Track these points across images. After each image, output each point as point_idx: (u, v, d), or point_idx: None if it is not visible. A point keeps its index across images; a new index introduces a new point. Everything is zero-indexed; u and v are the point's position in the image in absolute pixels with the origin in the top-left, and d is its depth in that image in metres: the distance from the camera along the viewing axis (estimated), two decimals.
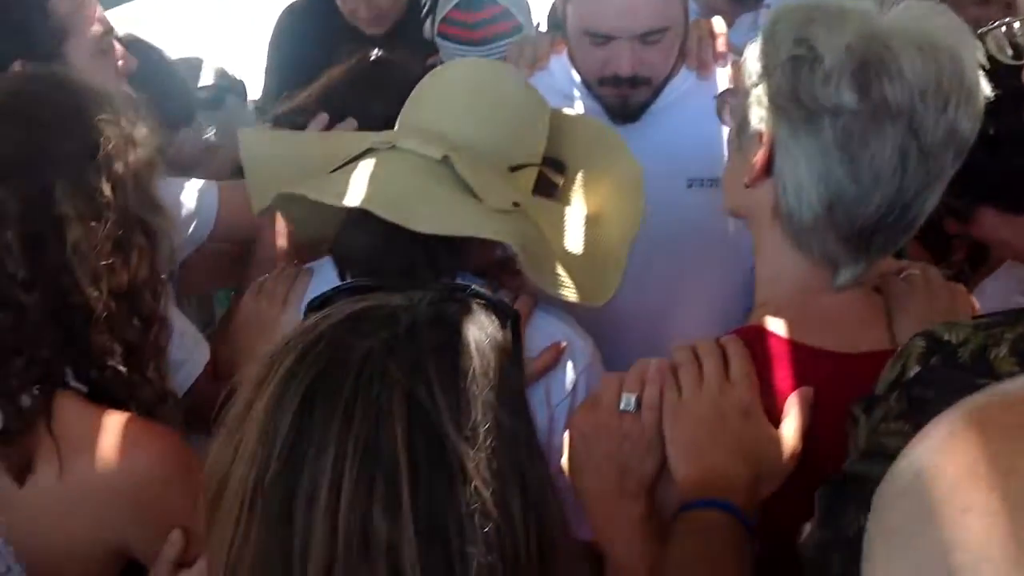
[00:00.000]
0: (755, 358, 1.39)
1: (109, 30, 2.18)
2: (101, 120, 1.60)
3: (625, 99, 2.24)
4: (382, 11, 3.31)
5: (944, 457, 0.59)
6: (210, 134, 3.10)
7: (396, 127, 1.88)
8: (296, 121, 2.74)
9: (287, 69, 3.43)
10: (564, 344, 1.77)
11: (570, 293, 1.73)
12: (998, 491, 0.55)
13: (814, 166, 1.37)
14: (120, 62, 2.20)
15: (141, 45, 2.76)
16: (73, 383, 1.56)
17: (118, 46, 2.22)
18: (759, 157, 1.42)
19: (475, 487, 0.95)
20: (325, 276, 1.86)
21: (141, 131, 1.68)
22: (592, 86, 2.27)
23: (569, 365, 1.77)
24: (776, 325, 1.43)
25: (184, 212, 2.37)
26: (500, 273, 1.80)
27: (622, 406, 1.39)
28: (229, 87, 3.21)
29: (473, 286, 1.14)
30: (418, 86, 1.88)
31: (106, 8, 3.45)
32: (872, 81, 1.32)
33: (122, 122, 1.64)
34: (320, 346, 1.01)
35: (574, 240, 1.85)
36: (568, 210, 1.91)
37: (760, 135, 1.43)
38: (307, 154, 1.90)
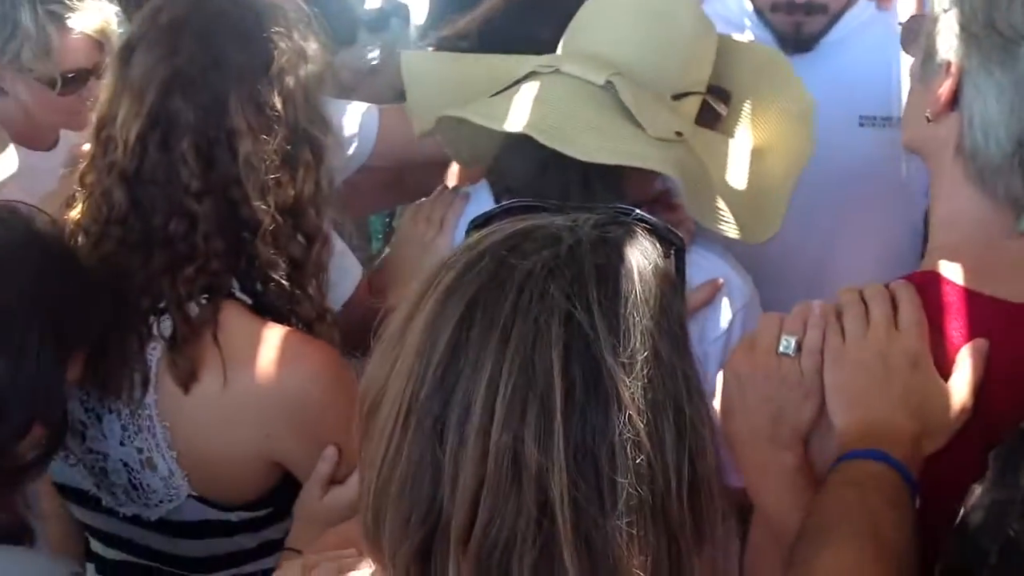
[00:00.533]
0: (927, 305, 1.32)
1: None
2: (275, 34, 1.62)
3: (799, 27, 2.16)
4: None
5: None
6: (373, 56, 3.13)
7: (558, 51, 1.85)
8: (458, 46, 2.72)
9: None
10: (721, 281, 1.73)
11: (730, 229, 1.68)
12: None
13: (1005, 99, 1.30)
14: None
15: None
16: (238, 295, 1.60)
17: None
18: (945, 89, 1.35)
19: (629, 416, 0.93)
20: (481, 200, 1.85)
21: (312, 46, 1.69)
22: (764, 12, 2.19)
23: (725, 302, 1.73)
24: (951, 271, 1.36)
25: (345, 134, 2.39)
26: (657, 206, 1.76)
27: (781, 348, 1.34)
28: (394, 10, 3.23)
29: (638, 211, 1.11)
30: (582, 8, 1.83)
31: None
32: None
33: (295, 36, 1.66)
34: (481, 264, 0.99)
35: (736, 174, 1.80)
36: (732, 142, 1.86)
37: (948, 65, 1.35)
38: (469, 77, 1.88)
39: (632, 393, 0.94)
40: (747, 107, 1.90)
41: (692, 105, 1.82)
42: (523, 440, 0.93)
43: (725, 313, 1.74)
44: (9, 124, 2.36)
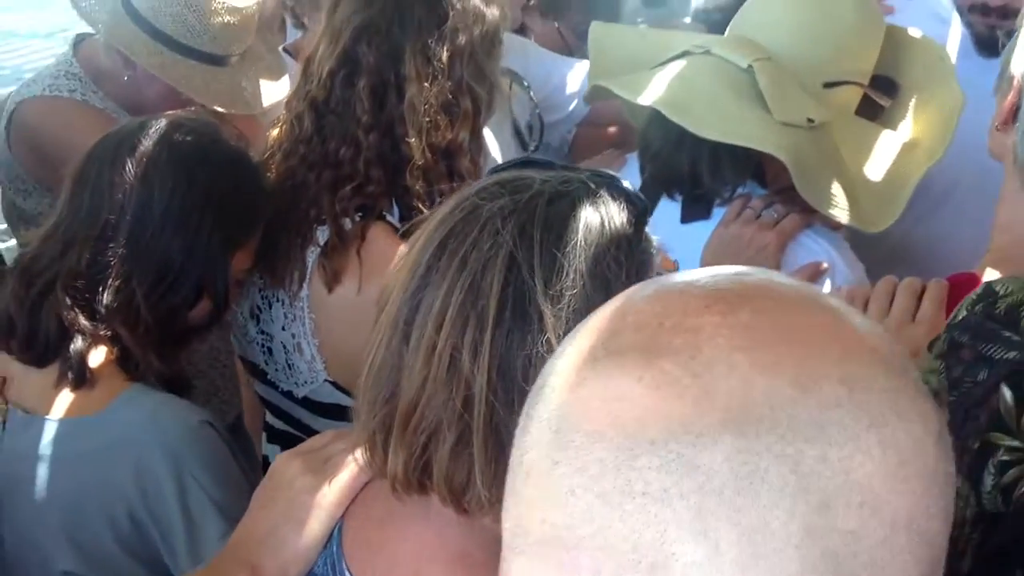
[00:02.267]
0: (956, 305, 1.37)
1: None
2: None
3: (992, 29, 2.14)
4: None
5: None
6: (642, 27, 3.28)
7: (726, 32, 1.96)
8: (712, 17, 2.88)
9: None
10: (826, 265, 1.80)
11: (841, 214, 1.75)
12: None
13: None
14: None
15: None
16: (389, 218, 1.86)
17: None
18: (1008, 101, 1.39)
19: (547, 338, 1.10)
20: (633, 166, 2.01)
21: (492, 11, 1.91)
22: (963, 12, 2.18)
23: (827, 285, 1.80)
24: (992, 275, 1.39)
25: (567, 91, 2.60)
26: (786, 186, 1.85)
27: None
28: None
29: (617, 177, 1.26)
30: None
31: None
32: None
33: (476, 0, 1.88)
34: (465, 202, 1.20)
35: (877, 164, 1.86)
36: (886, 133, 1.90)
37: (1012, 79, 1.39)
38: (644, 50, 2.03)
39: (555, 321, 1.11)
40: (913, 102, 1.94)
41: (847, 94, 1.89)
42: (460, 347, 1.13)
43: None
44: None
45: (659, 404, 0.60)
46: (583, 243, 1.15)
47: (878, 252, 2.16)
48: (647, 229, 1.28)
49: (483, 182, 1.22)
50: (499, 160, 2.33)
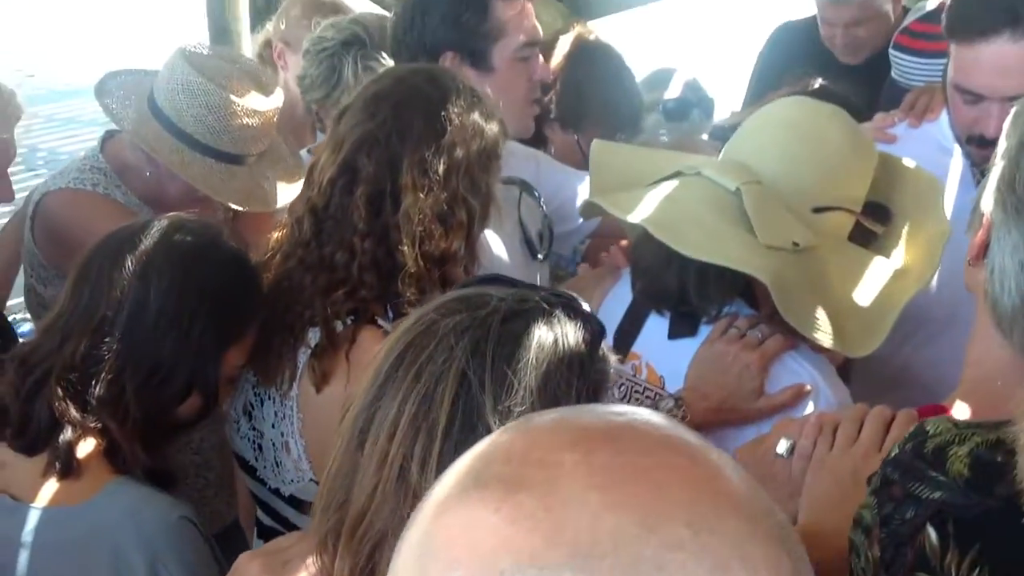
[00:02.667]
0: None
1: (535, 41, 2.49)
2: (455, 112, 1.91)
3: (989, 160, 2.16)
4: (858, 40, 3.34)
5: None
6: (664, 141, 3.35)
7: (720, 155, 2.01)
8: (727, 135, 2.92)
9: (764, 82, 3.58)
10: (807, 388, 1.81)
11: (824, 338, 1.77)
12: None
13: (1018, 255, 1.34)
14: (537, 73, 2.51)
15: (603, 51, 3.07)
16: (381, 322, 1.90)
17: (540, 59, 2.53)
18: (979, 238, 1.41)
19: None
20: (627, 279, 2.04)
21: (492, 127, 1.97)
22: (961, 143, 2.21)
23: (810, 407, 1.80)
24: (960, 409, 1.40)
25: (579, 202, 2.65)
26: (772, 309, 1.86)
27: (778, 449, 1.45)
28: (697, 102, 3.41)
29: (575, 298, 1.30)
30: (745, 121, 1.99)
31: (601, 15, 3.81)
32: None
33: (474, 115, 1.94)
34: (425, 316, 1.25)
35: (866, 290, 1.87)
36: (878, 259, 1.92)
37: (983, 216, 1.41)
38: (641, 169, 2.08)
39: None
40: (905, 229, 1.97)
41: (838, 219, 1.92)
42: (410, 457, 1.17)
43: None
44: None
45: (513, 536, 0.63)
46: (534, 362, 1.19)
47: (883, 375, 2.17)
48: (604, 349, 1.31)
49: (445, 297, 1.27)
50: (509, 266, 2.38)
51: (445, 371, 1.18)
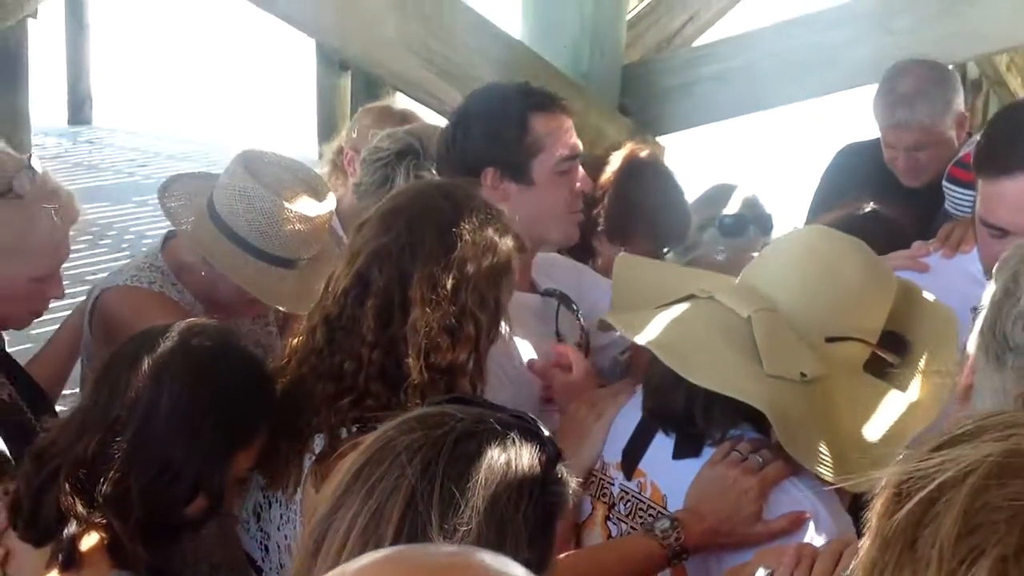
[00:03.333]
0: None
1: (575, 155, 2.53)
2: (466, 229, 1.95)
3: None
4: (919, 164, 3.32)
5: None
6: (720, 256, 3.35)
7: (738, 279, 2.01)
8: None
9: (827, 201, 3.58)
10: (807, 515, 1.78)
11: (826, 472, 1.74)
12: None
13: (998, 400, 1.33)
14: (578, 183, 2.54)
15: (652, 166, 3.11)
16: None
17: (580, 170, 2.56)
18: (964, 380, 1.41)
19: None
20: (638, 399, 2.04)
21: (506, 242, 2.01)
22: (988, 276, 2.17)
23: (811, 534, 1.77)
24: None
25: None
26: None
27: None
28: (754, 219, 3.41)
29: (534, 420, 1.31)
30: (764, 248, 1.99)
31: (669, 132, 3.84)
32: None
33: (487, 231, 1.98)
34: (386, 433, 1.29)
35: (876, 423, 1.85)
36: (891, 391, 1.90)
37: (969, 358, 1.40)
38: (660, 286, 2.09)
39: None
40: (922, 362, 1.94)
41: (852, 349, 1.90)
42: None
43: None
44: None
45: None
46: (483, 483, 1.21)
47: None
48: (562, 473, 1.32)
49: (406, 415, 1.31)
50: None
51: (396, 488, 1.22)
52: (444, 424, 1.26)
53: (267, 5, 3.26)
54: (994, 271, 1.45)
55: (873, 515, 0.75)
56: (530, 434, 1.29)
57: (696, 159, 3.43)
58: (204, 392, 1.85)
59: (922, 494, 0.65)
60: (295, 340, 2.05)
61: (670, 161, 4.17)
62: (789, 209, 3.88)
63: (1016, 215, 2.04)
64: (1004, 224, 2.06)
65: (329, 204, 2.72)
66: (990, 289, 1.44)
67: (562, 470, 1.32)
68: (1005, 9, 3.34)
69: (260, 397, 1.92)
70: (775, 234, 3.54)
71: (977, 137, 2.92)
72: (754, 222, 3.41)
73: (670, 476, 1.91)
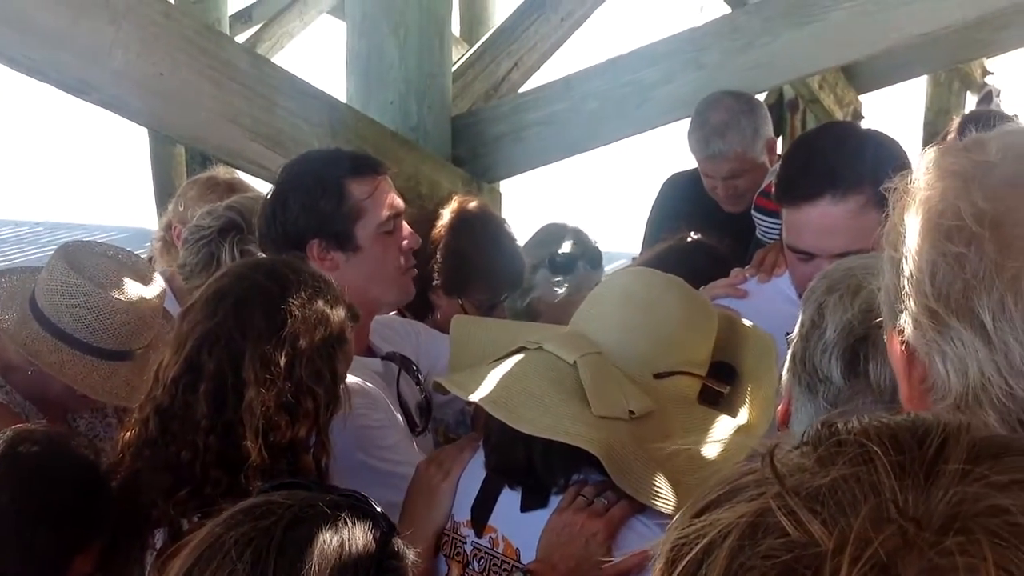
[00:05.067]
0: None
1: (397, 213, 2.54)
2: (295, 304, 1.95)
3: None
4: (737, 191, 3.45)
5: None
6: (560, 292, 3.41)
7: (568, 326, 2.05)
8: None
9: (657, 230, 3.69)
10: (651, 552, 1.81)
11: (662, 504, 1.78)
12: None
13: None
14: (405, 241, 2.56)
15: (481, 218, 3.14)
16: None
17: (406, 227, 2.58)
18: (781, 407, 1.46)
19: None
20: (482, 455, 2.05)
21: (338, 312, 2.01)
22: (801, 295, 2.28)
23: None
24: None
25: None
26: None
27: None
28: (583, 254, 3.48)
29: (365, 498, 1.32)
30: (589, 294, 2.04)
31: (504, 178, 3.88)
32: (860, 360, 1.32)
33: (317, 304, 1.97)
34: (213, 531, 1.28)
35: (709, 447, 1.90)
36: (723, 418, 1.95)
37: (786, 388, 1.46)
38: (495, 341, 2.11)
39: None
40: (750, 387, 2.01)
41: (682, 383, 1.95)
42: None
43: None
44: None
45: None
46: (316, 568, 1.21)
47: None
48: (398, 546, 1.33)
49: (232, 510, 1.30)
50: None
51: None
52: (272, 514, 1.26)
53: (83, 95, 3.19)
54: (801, 302, 1.52)
55: None
56: (362, 512, 1.30)
57: (535, 200, 3.47)
58: (35, 500, 1.80)
59: (687, 558, 0.68)
60: (127, 434, 2.00)
61: (506, 207, 4.25)
62: (627, 239, 3.97)
63: (819, 239, 2.13)
64: (809, 248, 2.16)
65: (157, 287, 2.67)
66: (799, 319, 1.51)
67: (398, 543, 1.32)
68: (804, 40, 3.50)
69: (93, 500, 1.88)
70: (608, 268, 3.63)
71: (774, 168, 3.05)
72: (581, 257, 3.47)
73: (520, 529, 1.93)
